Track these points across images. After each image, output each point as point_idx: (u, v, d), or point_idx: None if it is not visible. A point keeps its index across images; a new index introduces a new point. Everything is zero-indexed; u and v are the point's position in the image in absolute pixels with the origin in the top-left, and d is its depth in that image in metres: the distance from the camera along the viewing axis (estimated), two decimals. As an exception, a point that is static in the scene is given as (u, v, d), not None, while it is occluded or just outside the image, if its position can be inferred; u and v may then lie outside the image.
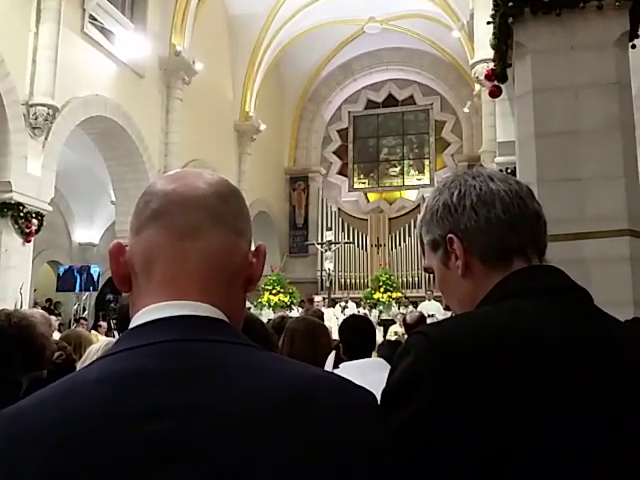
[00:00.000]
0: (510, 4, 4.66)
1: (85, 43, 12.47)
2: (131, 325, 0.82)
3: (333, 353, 3.00)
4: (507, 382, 0.87)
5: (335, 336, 3.76)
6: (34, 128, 10.91)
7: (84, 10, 12.33)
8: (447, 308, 1.19)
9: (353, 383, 0.81)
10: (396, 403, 0.89)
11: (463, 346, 0.90)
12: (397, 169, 24.21)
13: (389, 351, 4.23)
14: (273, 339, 2.27)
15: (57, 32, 11.21)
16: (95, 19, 12.63)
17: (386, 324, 14.40)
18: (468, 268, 1.08)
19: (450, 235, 1.08)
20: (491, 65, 5.83)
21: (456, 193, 1.09)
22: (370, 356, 3.43)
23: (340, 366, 3.15)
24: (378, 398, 0.91)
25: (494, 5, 4.88)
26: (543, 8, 4.59)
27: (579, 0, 4.53)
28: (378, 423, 0.78)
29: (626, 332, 1.00)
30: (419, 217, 1.19)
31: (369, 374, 2.64)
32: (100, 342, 3.50)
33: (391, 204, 23.56)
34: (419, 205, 20.86)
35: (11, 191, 10.45)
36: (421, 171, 23.85)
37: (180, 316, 0.80)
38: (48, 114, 10.97)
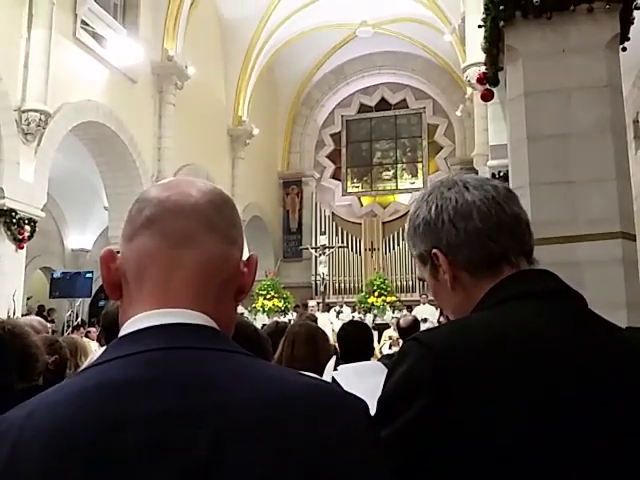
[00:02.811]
0: (501, 8, 4.66)
1: (77, 48, 12.44)
2: (121, 333, 0.82)
3: (334, 358, 2.98)
4: (503, 387, 0.87)
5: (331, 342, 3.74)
6: (26, 134, 10.87)
7: (76, 15, 12.30)
8: (443, 312, 1.19)
9: (344, 391, 0.80)
10: (393, 410, 0.89)
11: (458, 352, 0.90)
12: (390, 173, 24.26)
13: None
14: (267, 346, 2.26)
15: (49, 37, 11.17)
16: (87, 24, 12.61)
17: (380, 328, 14.37)
18: (456, 280, 1.08)
19: (434, 250, 1.09)
20: (483, 68, 5.83)
21: (433, 208, 1.10)
22: None
23: (338, 368, 3.13)
24: (375, 401, 0.91)
25: (485, 9, 4.88)
26: (534, 11, 4.60)
27: (570, 3, 4.54)
28: (371, 431, 0.78)
29: (622, 336, 1.00)
30: (406, 229, 1.19)
31: (367, 377, 2.62)
32: (100, 351, 3.46)
33: (385, 208, 23.60)
34: (412, 209, 20.87)
35: (3, 197, 10.41)
36: (414, 175, 23.91)
37: (171, 324, 0.79)
38: (40, 120, 10.93)
